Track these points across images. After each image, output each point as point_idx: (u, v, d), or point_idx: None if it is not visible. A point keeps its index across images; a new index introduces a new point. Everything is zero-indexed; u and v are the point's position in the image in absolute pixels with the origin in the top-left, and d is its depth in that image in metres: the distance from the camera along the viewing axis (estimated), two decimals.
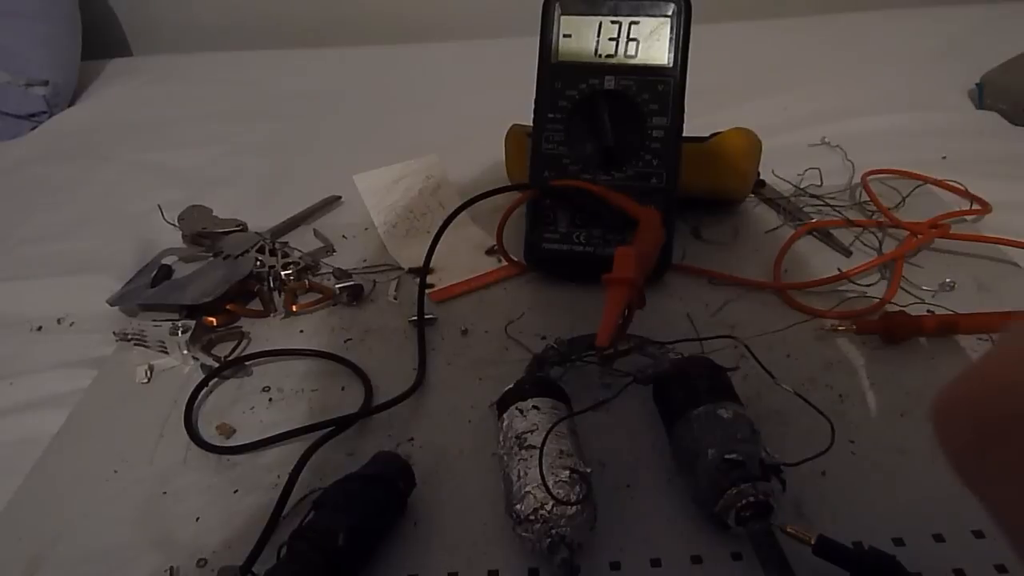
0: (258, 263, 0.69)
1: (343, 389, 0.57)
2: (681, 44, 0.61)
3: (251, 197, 0.88)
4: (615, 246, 0.54)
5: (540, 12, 0.64)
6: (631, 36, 0.62)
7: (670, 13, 0.61)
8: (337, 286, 0.66)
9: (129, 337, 0.62)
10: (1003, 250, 0.66)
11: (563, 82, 0.63)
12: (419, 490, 0.47)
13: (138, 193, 0.91)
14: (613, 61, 0.63)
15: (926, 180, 0.77)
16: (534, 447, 0.42)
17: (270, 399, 0.57)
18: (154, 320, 0.62)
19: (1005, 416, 0.22)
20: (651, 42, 0.62)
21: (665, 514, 0.45)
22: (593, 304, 0.52)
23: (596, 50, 0.63)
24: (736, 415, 0.44)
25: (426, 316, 0.62)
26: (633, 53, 0.62)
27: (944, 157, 0.83)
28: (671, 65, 0.61)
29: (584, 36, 0.63)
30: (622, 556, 0.43)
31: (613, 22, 0.62)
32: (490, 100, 0.94)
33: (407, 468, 0.46)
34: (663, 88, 0.62)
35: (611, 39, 0.62)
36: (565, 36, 0.63)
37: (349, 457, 0.51)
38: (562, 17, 0.63)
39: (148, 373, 0.59)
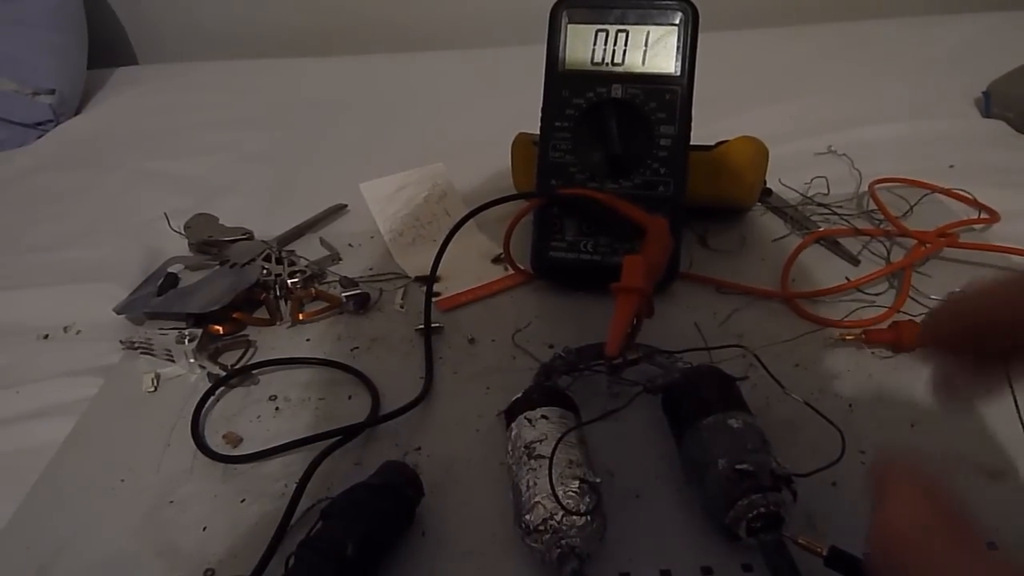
0: (264, 271, 0.69)
1: (350, 398, 0.57)
2: (688, 52, 0.61)
3: (257, 205, 0.88)
4: (623, 255, 0.53)
5: (547, 21, 0.64)
6: (638, 45, 0.62)
7: (677, 22, 0.61)
8: (343, 294, 0.66)
9: (136, 345, 0.62)
10: (1012, 259, 0.65)
11: (570, 90, 0.63)
12: (427, 500, 0.46)
13: (144, 201, 0.91)
14: (620, 70, 0.62)
15: (934, 189, 0.76)
16: (543, 457, 0.42)
17: (277, 408, 0.57)
18: (161, 328, 0.62)
19: (980, 319, 0.29)
20: (658, 50, 0.62)
21: (675, 525, 0.45)
22: (601, 313, 0.52)
23: (603, 59, 0.63)
24: (746, 425, 0.43)
25: (433, 325, 0.62)
26: (640, 62, 0.62)
27: (951, 166, 0.83)
28: (678, 73, 0.61)
29: (591, 45, 0.63)
30: (631, 567, 0.42)
31: (620, 31, 0.62)
32: (496, 108, 0.94)
33: (415, 478, 0.46)
34: (670, 96, 0.62)
35: (618, 48, 0.62)
36: (572, 45, 0.63)
37: (356, 466, 0.50)
38: (569, 26, 0.63)
39: (155, 382, 0.59)
